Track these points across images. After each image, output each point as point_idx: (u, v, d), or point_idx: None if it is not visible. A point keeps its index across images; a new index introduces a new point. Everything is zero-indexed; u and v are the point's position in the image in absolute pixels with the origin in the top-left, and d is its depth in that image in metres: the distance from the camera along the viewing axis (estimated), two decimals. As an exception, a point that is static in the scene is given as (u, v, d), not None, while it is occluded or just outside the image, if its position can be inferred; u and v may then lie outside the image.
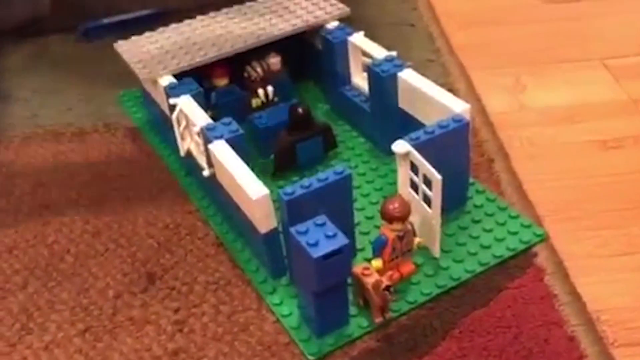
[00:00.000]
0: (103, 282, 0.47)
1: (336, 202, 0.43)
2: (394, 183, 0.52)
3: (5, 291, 0.47)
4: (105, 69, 0.70)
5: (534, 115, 0.62)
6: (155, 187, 0.55)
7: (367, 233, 0.48)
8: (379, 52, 0.54)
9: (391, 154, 0.54)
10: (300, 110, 0.53)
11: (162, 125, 0.58)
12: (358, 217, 0.49)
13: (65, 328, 0.44)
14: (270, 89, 0.59)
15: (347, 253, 0.38)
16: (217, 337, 0.43)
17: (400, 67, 0.51)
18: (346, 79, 0.59)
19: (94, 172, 0.57)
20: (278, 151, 0.53)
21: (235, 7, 0.62)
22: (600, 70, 0.68)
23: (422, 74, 0.51)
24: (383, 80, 0.51)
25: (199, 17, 0.61)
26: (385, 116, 0.53)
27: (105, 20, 0.77)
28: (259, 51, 0.58)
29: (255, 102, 0.59)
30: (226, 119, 0.48)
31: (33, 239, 0.51)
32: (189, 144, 0.52)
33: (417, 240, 0.44)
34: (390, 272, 0.42)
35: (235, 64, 0.58)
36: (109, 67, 0.71)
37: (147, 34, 0.59)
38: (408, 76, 0.51)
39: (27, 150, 0.60)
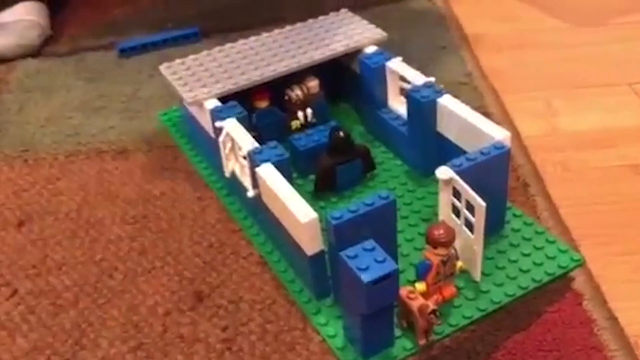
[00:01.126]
0: (152, 300, 0.49)
1: (381, 226, 0.44)
2: (432, 205, 0.54)
3: (57, 307, 0.49)
4: (144, 87, 0.72)
5: (566, 139, 0.64)
6: (197, 206, 0.56)
7: (406, 255, 0.50)
8: (416, 78, 0.56)
9: (427, 176, 0.56)
10: (341, 134, 0.54)
11: (203, 145, 0.60)
12: (398, 239, 0.50)
13: (117, 345, 0.46)
14: (309, 111, 0.60)
15: (395, 278, 0.40)
16: (265, 356, 0.44)
17: (440, 93, 0.53)
18: (383, 102, 0.60)
19: (137, 190, 0.58)
20: (319, 173, 0.55)
21: (277, 30, 0.63)
22: (629, 95, 0.69)
23: (455, 97, 0.53)
24: (423, 106, 0.53)
25: (241, 41, 0.62)
26: (423, 140, 0.55)
27: (142, 40, 0.79)
28: (298, 74, 0.60)
29: (294, 124, 0.60)
30: (272, 143, 0.50)
31: (81, 256, 0.53)
32: (233, 165, 0.53)
33: (459, 264, 0.45)
34: (435, 296, 0.44)
35: (275, 86, 0.60)
36: (147, 85, 0.73)
37: (192, 56, 0.60)
38: (447, 102, 0.52)
39: (71, 168, 0.62)
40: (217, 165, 0.56)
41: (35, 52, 0.79)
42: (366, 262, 0.40)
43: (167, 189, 0.58)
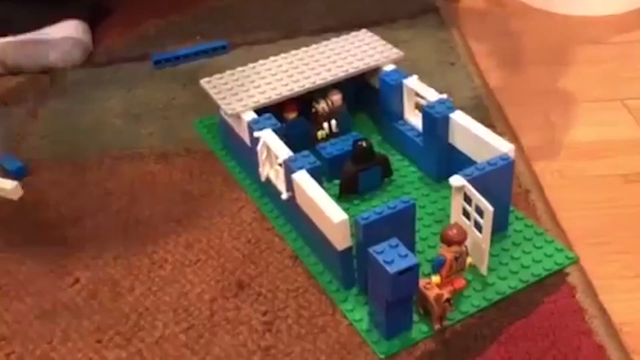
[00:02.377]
0: (199, 288, 0.55)
1: (402, 226, 0.51)
2: (443, 208, 0.61)
3: (116, 294, 0.55)
4: (178, 96, 0.79)
5: (563, 149, 0.70)
6: (234, 206, 0.63)
7: (422, 252, 0.56)
8: (431, 94, 0.62)
9: (439, 181, 0.63)
10: (364, 144, 0.61)
11: (238, 151, 0.66)
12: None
13: (171, 326, 0.52)
14: (333, 122, 0.67)
15: (416, 270, 0.47)
16: (300, 336, 0.51)
17: (452, 109, 0.60)
18: (399, 115, 0.67)
19: (179, 191, 0.65)
20: (344, 178, 0.61)
21: (303, 49, 0.70)
22: (621, 110, 0.76)
23: (463, 109, 0.60)
24: (436, 121, 0.59)
25: (272, 58, 0.69)
26: (436, 150, 0.61)
27: (175, 52, 0.86)
28: (323, 88, 0.67)
29: (320, 134, 0.67)
30: (304, 152, 0.56)
31: (134, 249, 0.59)
32: (268, 170, 0.60)
33: (468, 260, 0.52)
34: (448, 287, 0.50)
35: (303, 99, 0.66)
36: (181, 95, 0.79)
37: (228, 72, 0.67)
38: (458, 117, 0.59)
39: (117, 170, 0.69)
40: (251, 170, 0.63)
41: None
42: (391, 256, 0.46)
43: (206, 191, 0.65)
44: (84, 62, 0.86)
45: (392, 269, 0.46)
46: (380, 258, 0.46)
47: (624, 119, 0.74)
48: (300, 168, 0.55)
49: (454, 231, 0.50)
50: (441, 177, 0.62)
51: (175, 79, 0.82)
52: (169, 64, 0.85)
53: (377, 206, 0.51)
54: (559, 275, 0.54)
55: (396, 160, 0.66)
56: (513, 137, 0.71)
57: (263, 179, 0.60)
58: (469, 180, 0.52)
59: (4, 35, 0.85)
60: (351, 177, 0.61)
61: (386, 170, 0.63)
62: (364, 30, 0.73)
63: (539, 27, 0.92)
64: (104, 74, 0.85)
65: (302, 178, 0.54)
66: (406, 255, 0.46)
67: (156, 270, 0.57)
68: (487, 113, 0.73)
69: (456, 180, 0.52)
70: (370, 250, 0.47)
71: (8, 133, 0.75)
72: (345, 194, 0.62)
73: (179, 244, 0.60)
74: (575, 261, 0.55)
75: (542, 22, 0.93)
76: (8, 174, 0.68)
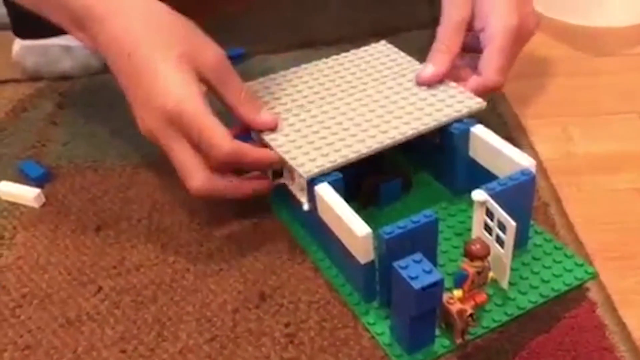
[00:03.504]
0: (221, 298, 0.56)
1: (425, 240, 0.51)
2: (463, 221, 0.61)
3: (139, 303, 0.56)
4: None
5: (580, 162, 0.71)
6: (255, 217, 0.63)
7: (442, 265, 0.57)
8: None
9: (458, 194, 0.63)
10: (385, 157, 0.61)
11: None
12: (435, 251, 0.57)
13: (194, 337, 0.53)
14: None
15: (440, 286, 0.47)
16: (323, 348, 0.51)
17: (473, 122, 0.60)
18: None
19: (199, 200, 0.64)
20: (365, 191, 0.62)
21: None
22: (637, 123, 0.76)
23: (481, 121, 0.60)
24: (456, 135, 0.60)
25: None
26: (456, 164, 0.62)
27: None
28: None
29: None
30: (326, 164, 0.57)
31: (155, 258, 0.60)
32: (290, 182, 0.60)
33: (490, 274, 0.52)
34: (470, 301, 0.51)
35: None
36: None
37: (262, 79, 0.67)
38: (479, 131, 0.59)
39: (138, 179, 0.69)
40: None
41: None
42: (416, 271, 0.47)
43: (225, 200, 0.65)
44: (103, 70, 0.87)
45: (417, 285, 0.46)
46: (404, 273, 0.47)
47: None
48: (323, 181, 0.55)
49: (477, 246, 0.50)
50: (461, 191, 0.62)
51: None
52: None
53: (398, 218, 0.51)
54: (579, 290, 0.55)
55: (416, 173, 0.67)
56: (531, 149, 0.71)
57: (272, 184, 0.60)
58: (491, 195, 0.52)
59: (24, 39, 0.86)
60: (372, 189, 0.62)
61: (406, 182, 0.64)
62: (383, 42, 0.72)
63: (554, 37, 0.93)
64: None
65: (325, 190, 0.55)
66: (430, 271, 0.47)
67: (178, 280, 0.58)
68: (505, 125, 0.74)
69: (478, 195, 0.52)
70: (395, 265, 0.47)
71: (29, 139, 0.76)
72: (365, 206, 0.63)
73: (200, 254, 0.60)
74: (594, 276, 0.55)
75: (557, 32, 0.94)
76: (30, 181, 0.68)
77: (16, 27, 0.86)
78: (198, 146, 0.55)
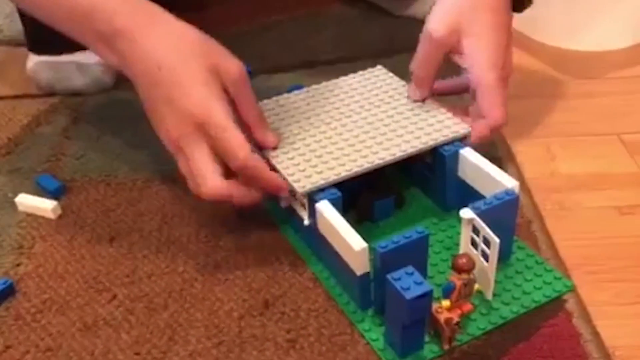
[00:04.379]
0: (228, 306, 0.60)
1: (416, 254, 0.56)
2: (452, 236, 0.66)
3: (151, 310, 0.60)
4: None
5: (562, 181, 0.75)
6: (260, 230, 0.68)
7: (432, 277, 0.61)
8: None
9: (447, 211, 0.68)
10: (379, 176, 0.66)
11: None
12: (425, 263, 0.62)
13: (203, 341, 0.57)
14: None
15: (430, 296, 0.52)
16: (322, 353, 0.56)
17: (462, 146, 0.65)
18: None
19: (207, 213, 0.70)
20: (360, 207, 0.66)
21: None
22: (616, 144, 0.81)
23: (467, 139, 0.65)
24: (447, 157, 0.64)
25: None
26: (446, 183, 0.67)
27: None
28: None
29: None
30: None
31: (166, 267, 0.64)
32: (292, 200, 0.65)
33: (476, 286, 0.57)
34: (457, 311, 0.55)
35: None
36: None
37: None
38: (468, 153, 0.64)
39: (148, 192, 0.74)
40: (271, 198, 0.67)
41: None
42: (407, 283, 0.51)
43: (231, 214, 0.70)
44: (115, 86, 0.91)
45: (408, 295, 0.51)
46: (397, 284, 0.51)
47: (620, 153, 0.79)
48: (323, 199, 0.60)
49: (464, 260, 0.55)
50: (450, 207, 0.67)
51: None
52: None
53: (392, 233, 0.56)
54: (557, 301, 0.59)
55: (408, 191, 0.71)
56: (516, 168, 0.76)
57: (284, 205, 0.65)
58: (477, 214, 0.57)
59: (39, 54, 0.90)
60: (367, 205, 0.66)
61: (399, 199, 0.68)
62: (379, 67, 0.77)
63: (540, 60, 0.97)
64: (134, 97, 0.88)
65: (325, 207, 0.59)
66: (421, 283, 0.52)
67: (187, 288, 0.62)
68: (491, 145, 0.78)
69: (466, 213, 0.57)
70: (389, 277, 0.52)
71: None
72: (360, 220, 0.67)
73: (207, 264, 0.65)
74: (571, 289, 0.60)
75: (543, 55, 0.98)
76: (47, 194, 0.73)
77: (31, 43, 0.91)
78: (217, 152, 0.60)
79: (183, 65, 0.60)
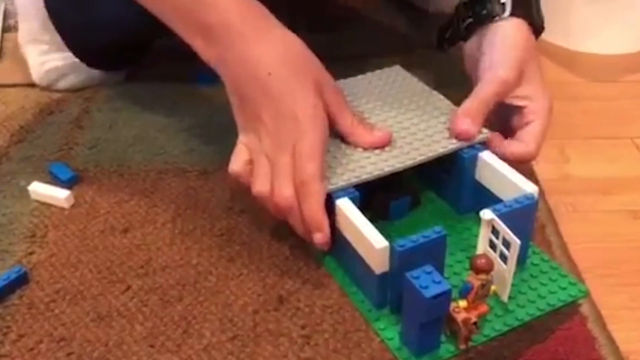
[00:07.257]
0: (242, 300, 0.60)
1: (434, 254, 0.56)
2: (467, 238, 0.65)
3: (165, 302, 0.60)
4: (218, 114, 0.83)
5: (576, 184, 0.76)
6: (272, 223, 0.67)
7: (447, 278, 0.61)
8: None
9: (463, 214, 0.67)
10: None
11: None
12: (440, 264, 0.62)
13: (217, 335, 0.57)
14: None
15: (448, 295, 0.52)
16: (337, 350, 0.56)
17: (481, 148, 0.65)
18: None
19: (221, 207, 0.70)
20: (376, 206, 0.66)
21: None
22: (630, 148, 0.81)
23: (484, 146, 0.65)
24: (465, 160, 0.64)
25: None
26: (463, 186, 0.66)
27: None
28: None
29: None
30: (344, 179, 0.61)
31: (180, 260, 0.64)
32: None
33: (492, 288, 0.57)
34: (473, 311, 0.55)
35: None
36: (222, 113, 0.81)
37: None
38: (487, 157, 0.64)
39: (161, 184, 0.73)
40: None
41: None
42: (426, 282, 0.51)
43: (246, 207, 0.70)
44: (129, 77, 0.91)
45: (427, 293, 0.51)
46: (416, 283, 0.51)
47: (633, 157, 0.80)
48: (343, 196, 0.60)
49: (483, 261, 0.55)
50: (464, 210, 0.67)
51: (219, 97, 0.86)
52: (214, 83, 0.89)
53: (407, 233, 0.55)
54: (572, 305, 0.59)
55: (424, 192, 0.71)
56: (530, 170, 0.76)
57: None
58: (497, 215, 0.57)
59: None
60: (383, 205, 0.66)
61: (415, 200, 0.68)
62: (397, 67, 0.76)
63: (556, 63, 0.97)
64: (146, 88, 0.89)
65: (345, 205, 0.59)
66: (440, 282, 0.51)
67: (202, 281, 0.62)
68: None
69: (486, 214, 0.57)
70: (407, 275, 0.52)
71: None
72: (376, 220, 0.67)
73: (221, 258, 0.64)
74: (586, 294, 0.60)
75: (559, 58, 0.98)
76: (60, 183, 0.72)
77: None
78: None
79: (293, 77, 0.61)
